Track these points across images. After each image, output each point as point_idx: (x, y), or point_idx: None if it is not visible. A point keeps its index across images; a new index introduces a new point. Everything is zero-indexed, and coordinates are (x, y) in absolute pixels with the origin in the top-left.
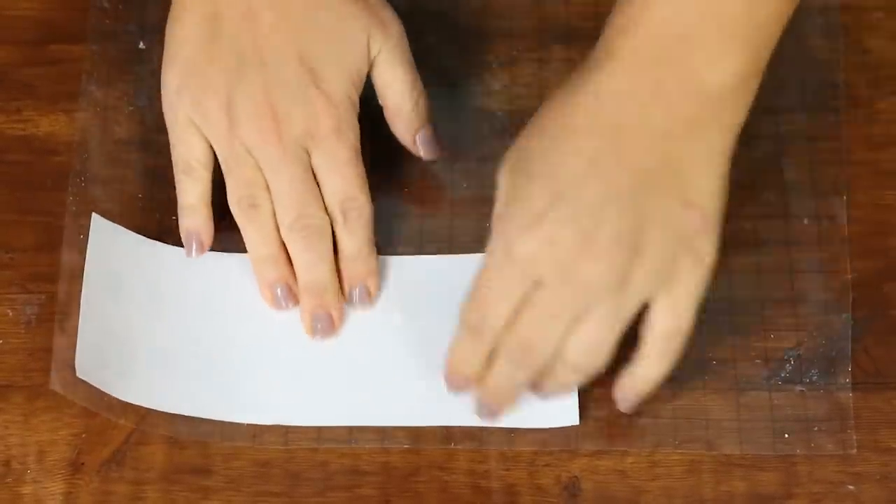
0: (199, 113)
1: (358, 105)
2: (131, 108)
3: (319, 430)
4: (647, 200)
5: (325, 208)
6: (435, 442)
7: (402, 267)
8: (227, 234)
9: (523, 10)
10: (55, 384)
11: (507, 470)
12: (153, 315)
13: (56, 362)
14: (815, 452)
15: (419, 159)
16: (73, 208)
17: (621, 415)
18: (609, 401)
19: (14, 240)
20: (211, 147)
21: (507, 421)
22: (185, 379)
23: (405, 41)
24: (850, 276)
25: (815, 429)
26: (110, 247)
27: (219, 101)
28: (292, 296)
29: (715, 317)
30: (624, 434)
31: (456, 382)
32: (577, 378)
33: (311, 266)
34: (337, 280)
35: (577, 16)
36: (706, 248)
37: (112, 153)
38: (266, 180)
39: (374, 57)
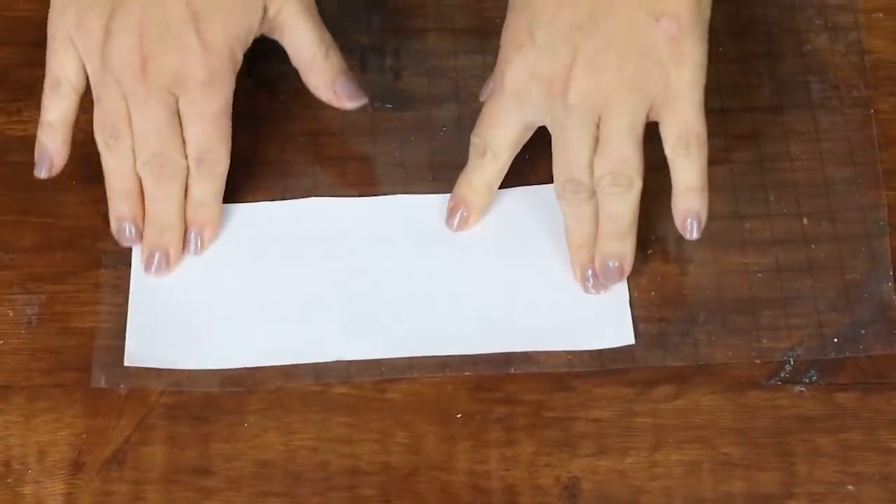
0: (78, 32)
1: (240, 61)
2: None
3: (381, 364)
4: (610, 19)
5: (185, 153)
6: (495, 367)
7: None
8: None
9: None
10: (98, 381)
11: (507, 470)
12: (202, 279)
13: (97, 361)
14: (815, 452)
15: None
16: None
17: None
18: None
19: (14, 240)
20: (84, 71)
21: (564, 343)
22: (243, 332)
23: (311, 1)
24: (849, 276)
25: (815, 429)
26: None
27: (98, 24)
28: (139, 234)
29: (714, 317)
30: (677, 350)
31: (579, 256)
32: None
33: (160, 201)
34: (182, 223)
35: None
36: (688, 52)
37: None
38: (129, 114)
39: (273, 16)
